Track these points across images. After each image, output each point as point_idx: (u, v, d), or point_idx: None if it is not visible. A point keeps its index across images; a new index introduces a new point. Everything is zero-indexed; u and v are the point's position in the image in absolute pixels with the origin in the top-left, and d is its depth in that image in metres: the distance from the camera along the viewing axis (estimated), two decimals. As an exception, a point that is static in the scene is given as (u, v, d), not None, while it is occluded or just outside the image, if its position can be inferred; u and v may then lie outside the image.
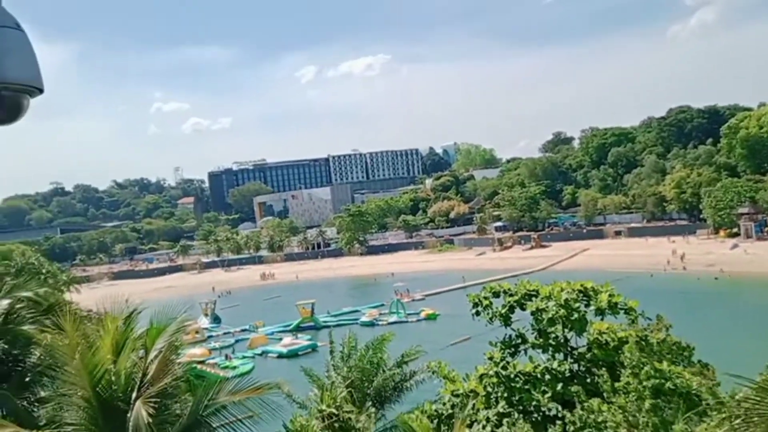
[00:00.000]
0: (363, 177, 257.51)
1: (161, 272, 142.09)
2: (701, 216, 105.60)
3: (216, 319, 76.87)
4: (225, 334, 69.55)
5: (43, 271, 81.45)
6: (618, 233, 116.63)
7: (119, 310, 10.98)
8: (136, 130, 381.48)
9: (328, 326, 69.15)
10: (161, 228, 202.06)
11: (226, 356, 57.11)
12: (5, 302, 13.21)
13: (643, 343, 13.85)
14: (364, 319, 68.58)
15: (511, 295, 15.80)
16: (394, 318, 67.92)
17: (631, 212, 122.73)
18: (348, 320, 69.64)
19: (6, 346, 12.54)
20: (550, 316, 14.71)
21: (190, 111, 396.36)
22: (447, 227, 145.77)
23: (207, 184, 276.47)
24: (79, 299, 44.14)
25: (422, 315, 68.27)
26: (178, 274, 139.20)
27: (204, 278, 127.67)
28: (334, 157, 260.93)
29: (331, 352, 18.74)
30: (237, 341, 64.93)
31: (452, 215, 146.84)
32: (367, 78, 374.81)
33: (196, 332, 64.11)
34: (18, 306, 13.26)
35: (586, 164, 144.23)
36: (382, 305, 75.99)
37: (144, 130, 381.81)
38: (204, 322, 74.26)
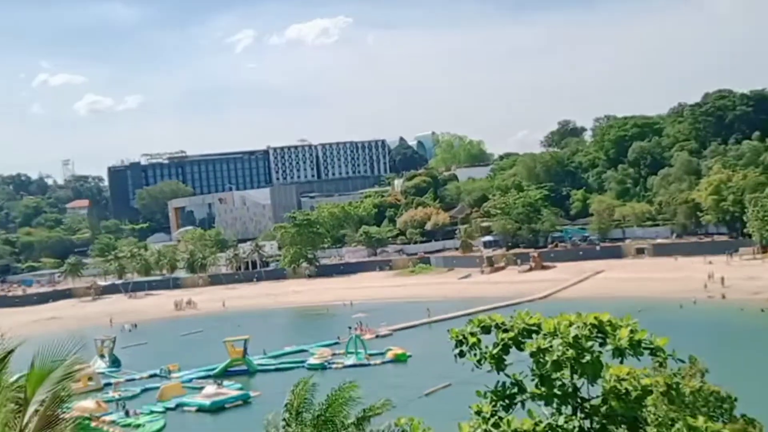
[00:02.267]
0: (313, 175, 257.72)
1: (43, 299, 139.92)
2: (745, 230, 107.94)
3: (115, 362, 75.99)
4: (127, 381, 68.65)
5: None
6: (640, 251, 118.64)
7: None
8: (13, 110, 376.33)
9: (265, 370, 68.95)
10: (44, 240, 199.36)
11: (126, 412, 56.39)
12: None
13: (673, 392, 14.02)
14: (312, 361, 68.43)
15: (505, 331, 15.86)
16: (352, 360, 67.90)
17: (657, 225, 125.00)
18: (291, 363, 69.39)
19: None
20: (554, 358, 14.80)
21: (85, 86, 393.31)
22: (422, 242, 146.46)
23: (106, 183, 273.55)
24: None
25: (389, 356, 68.38)
26: (65, 302, 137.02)
27: (100, 307, 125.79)
28: (275, 150, 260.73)
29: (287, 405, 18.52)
30: (144, 390, 64.23)
31: (428, 226, 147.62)
32: (322, 47, 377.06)
33: (89, 379, 63.27)
34: None
35: (600, 162, 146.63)
36: (337, 343, 76.01)
37: (23, 111, 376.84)
38: (100, 365, 73.48)
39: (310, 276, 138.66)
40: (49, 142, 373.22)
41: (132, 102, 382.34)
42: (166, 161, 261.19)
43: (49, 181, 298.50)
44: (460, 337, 15.80)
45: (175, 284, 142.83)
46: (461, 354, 15.90)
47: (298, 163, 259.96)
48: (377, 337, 78.56)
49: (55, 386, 10.42)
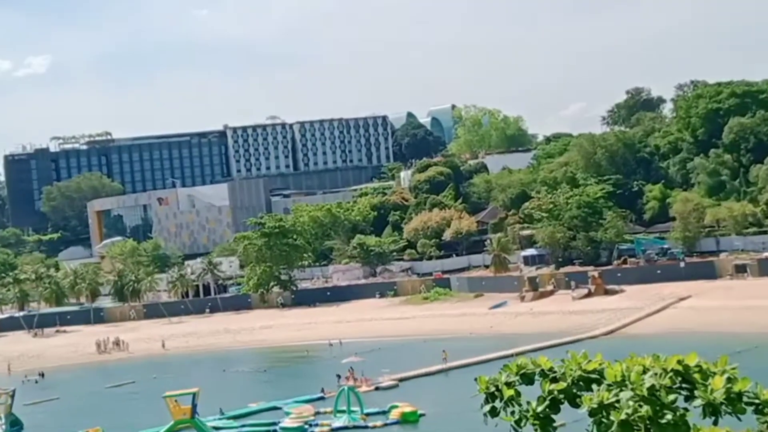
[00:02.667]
0: (288, 166, 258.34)
1: None
2: None
3: (15, 424, 75.89)
4: (32, 451, 68.50)
5: None
6: (741, 269, 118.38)
7: None
8: None
9: (221, 437, 68.82)
10: None
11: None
12: None
13: (788, 465, 14.07)
14: (288, 423, 68.20)
15: (554, 380, 15.89)
16: (342, 420, 67.69)
17: (765, 232, 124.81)
18: (259, 426, 69.24)
19: None
20: (623, 417, 14.86)
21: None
22: (438, 257, 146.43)
23: (2, 177, 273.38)
24: None
25: (393, 415, 68.13)
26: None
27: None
28: (235, 131, 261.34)
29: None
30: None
31: (447, 236, 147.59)
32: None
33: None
34: None
35: (684, 147, 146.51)
36: (322, 398, 75.80)
37: None
38: (-6, 428, 73.28)
39: (283, 305, 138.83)
40: None
41: (37, 65, 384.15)
42: (85, 146, 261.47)
43: None
44: (492, 389, 15.74)
45: (98, 317, 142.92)
46: (493, 412, 15.84)
47: (266, 149, 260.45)
48: (377, 389, 78.23)
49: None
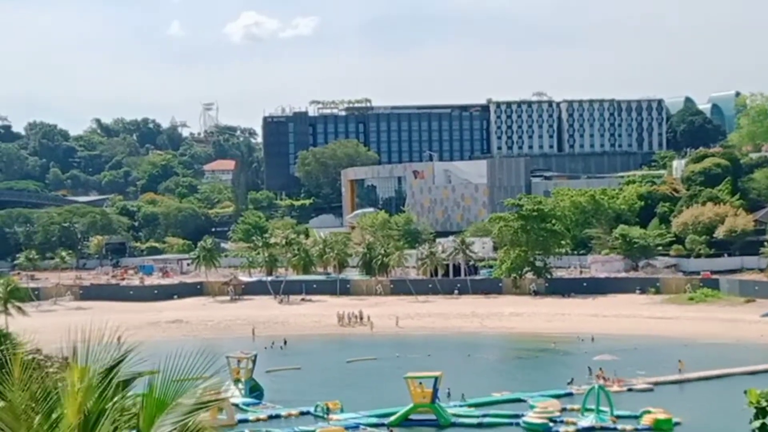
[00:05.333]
0: (552, 146, 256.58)
1: (166, 293, 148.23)
2: None
3: (254, 389, 78.45)
4: (270, 418, 71.00)
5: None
6: None
7: (96, 357, 11.32)
8: (143, 31, 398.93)
9: (462, 424, 69.27)
10: (171, 212, 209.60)
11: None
12: None
13: None
14: (531, 418, 67.91)
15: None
16: (590, 420, 66.82)
17: None
18: (501, 417, 69.25)
19: None
20: None
21: (242, 1, 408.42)
22: (708, 255, 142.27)
23: (260, 140, 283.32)
24: (24, 328, 46.57)
25: (645, 421, 66.75)
26: (194, 300, 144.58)
27: (240, 311, 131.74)
28: (499, 106, 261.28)
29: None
30: (292, 435, 66.32)
31: (720, 233, 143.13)
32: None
33: (220, 410, 65.60)
34: None
35: None
36: (569, 394, 75.39)
37: (156, 33, 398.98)
38: (233, 392, 75.87)
39: (536, 293, 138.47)
40: (187, 77, 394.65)
41: (304, 26, 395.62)
42: (343, 113, 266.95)
43: (184, 132, 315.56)
44: (764, 404, 14.96)
45: (344, 289, 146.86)
46: (763, 429, 15.05)
47: (530, 126, 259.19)
48: (629, 390, 76.95)
49: (181, 419, 10.77)
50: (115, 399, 11.01)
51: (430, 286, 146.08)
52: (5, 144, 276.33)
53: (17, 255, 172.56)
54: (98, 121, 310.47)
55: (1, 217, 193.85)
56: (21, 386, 10.80)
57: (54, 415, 10.95)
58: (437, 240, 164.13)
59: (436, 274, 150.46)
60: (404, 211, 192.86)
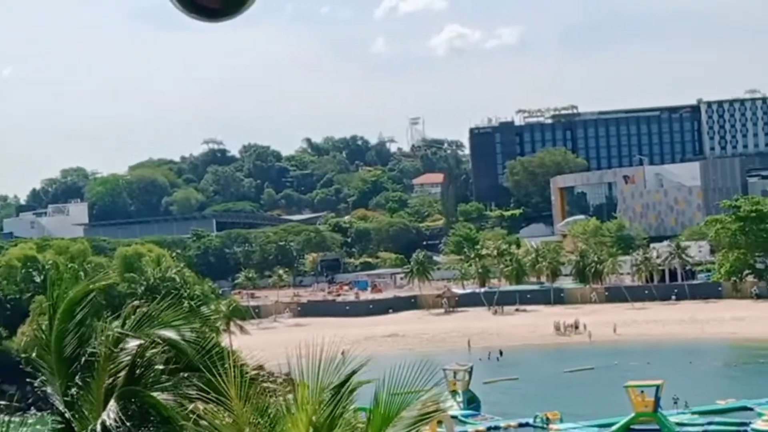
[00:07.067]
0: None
1: (380, 308, 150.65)
2: None
3: (472, 401, 78.80)
4: (490, 429, 71.23)
5: (188, 292, 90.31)
6: None
7: (323, 372, 11.73)
8: (349, 49, 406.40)
9: (686, 433, 67.97)
10: (383, 227, 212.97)
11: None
12: (132, 344, 14.84)
13: None
14: (759, 425, 65.97)
15: None
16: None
17: None
18: (727, 425, 67.76)
19: (129, 423, 14.07)
20: None
21: (447, 14, 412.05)
22: None
23: (467, 151, 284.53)
24: (247, 346, 48.23)
25: None
26: (409, 314, 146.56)
27: (455, 323, 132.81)
28: (710, 105, 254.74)
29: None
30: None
31: None
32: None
33: (439, 422, 66.09)
34: (150, 353, 14.80)
35: None
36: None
37: (361, 50, 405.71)
38: (452, 404, 76.25)
39: (758, 296, 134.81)
40: (392, 92, 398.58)
41: (508, 36, 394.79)
42: (549, 120, 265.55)
43: (392, 147, 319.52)
44: None
45: (558, 297, 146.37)
46: None
47: (744, 125, 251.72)
48: None
49: (406, 431, 11.09)
50: (345, 414, 11.43)
51: (646, 292, 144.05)
52: (222, 167, 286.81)
53: (237, 274, 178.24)
54: (308, 140, 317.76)
55: (220, 238, 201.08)
56: (246, 402, 11.27)
57: (278, 430, 11.41)
58: (651, 245, 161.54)
59: (652, 280, 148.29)
60: (616, 217, 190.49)
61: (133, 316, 15.06)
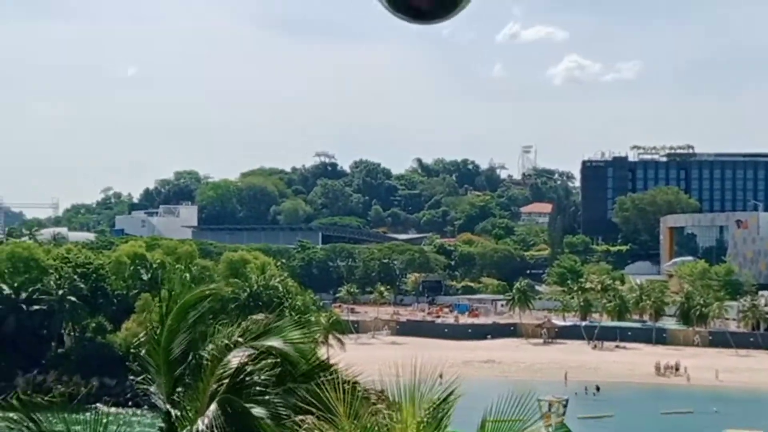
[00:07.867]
0: None
1: (479, 332, 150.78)
2: None
3: (566, 436, 78.36)
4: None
5: (290, 302, 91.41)
6: None
7: (424, 392, 11.96)
8: (466, 70, 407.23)
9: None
10: (488, 253, 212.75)
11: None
12: (241, 353, 15.18)
13: None
14: None
15: None
16: None
17: None
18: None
19: (227, 428, 14.42)
20: None
21: (567, 44, 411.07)
22: None
23: (578, 183, 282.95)
24: (343, 359, 48.55)
25: None
26: (507, 341, 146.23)
27: (553, 355, 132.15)
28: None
29: None
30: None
31: None
32: None
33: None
34: (256, 366, 15.12)
35: None
36: None
37: (479, 75, 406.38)
38: (545, 436, 76.14)
39: None
40: (507, 119, 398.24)
41: (627, 70, 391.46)
42: (664, 158, 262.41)
43: (502, 174, 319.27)
44: None
45: (659, 337, 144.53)
46: None
47: None
48: None
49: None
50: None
51: (751, 339, 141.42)
52: (331, 181, 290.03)
53: (339, 288, 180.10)
54: (419, 160, 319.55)
55: (325, 251, 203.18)
56: (354, 420, 11.55)
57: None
58: (760, 292, 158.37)
59: (758, 328, 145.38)
60: (725, 261, 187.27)
61: (244, 324, 15.45)
